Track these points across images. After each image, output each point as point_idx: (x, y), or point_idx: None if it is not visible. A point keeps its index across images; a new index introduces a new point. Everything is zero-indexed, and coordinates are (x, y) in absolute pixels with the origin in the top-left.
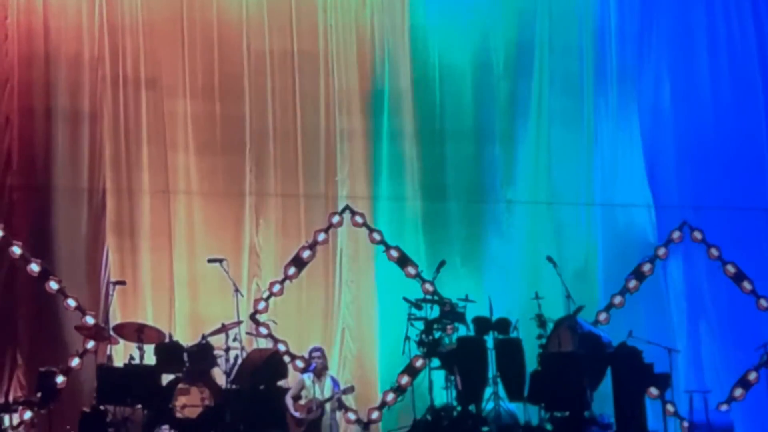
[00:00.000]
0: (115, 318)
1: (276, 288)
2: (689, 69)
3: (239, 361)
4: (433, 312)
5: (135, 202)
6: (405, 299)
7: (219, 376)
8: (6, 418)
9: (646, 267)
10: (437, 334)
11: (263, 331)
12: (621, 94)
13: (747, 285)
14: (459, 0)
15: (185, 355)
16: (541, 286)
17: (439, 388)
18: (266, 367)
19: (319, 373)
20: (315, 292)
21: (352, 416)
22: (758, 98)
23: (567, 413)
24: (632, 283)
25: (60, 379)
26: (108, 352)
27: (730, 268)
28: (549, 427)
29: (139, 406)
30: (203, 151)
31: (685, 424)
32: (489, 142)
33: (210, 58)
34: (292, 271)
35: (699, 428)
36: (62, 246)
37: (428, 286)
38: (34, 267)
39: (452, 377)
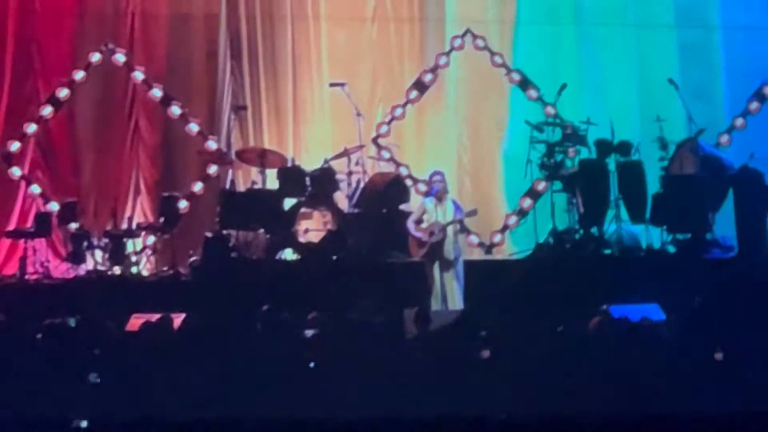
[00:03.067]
0: (237, 143)
1: (398, 112)
2: None
3: (361, 185)
4: (555, 135)
5: (256, 27)
6: (527, 122)
7: (341, 200)
8: (129, 243)
9: None
10: (559, 157)
11: (385, 155)
12: None
13: None
14: None
15: (308, 179)
16: (662, 108)
17: (561, 210)
18: (388, 191)
19: (441, 196)
20: (435, 115)
21: (474, 239)
22: None
23: (689, 235)
24: (754, 105)
25: (183, 204)
26: (230, 177)
27: None
28: (671, 249)
29: (262, 230)
30: None
31: None
32: None
33: None
34: (414, 94)
35: None
36: (183, 71)
37: (550, 109)
38: (156, 92)
39: (574, 200)
